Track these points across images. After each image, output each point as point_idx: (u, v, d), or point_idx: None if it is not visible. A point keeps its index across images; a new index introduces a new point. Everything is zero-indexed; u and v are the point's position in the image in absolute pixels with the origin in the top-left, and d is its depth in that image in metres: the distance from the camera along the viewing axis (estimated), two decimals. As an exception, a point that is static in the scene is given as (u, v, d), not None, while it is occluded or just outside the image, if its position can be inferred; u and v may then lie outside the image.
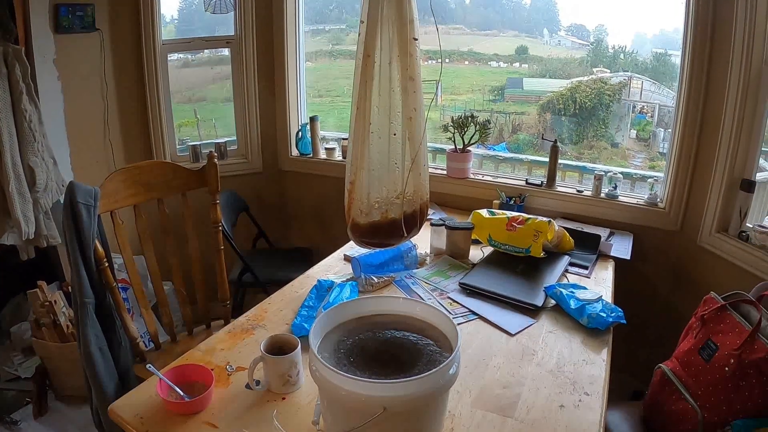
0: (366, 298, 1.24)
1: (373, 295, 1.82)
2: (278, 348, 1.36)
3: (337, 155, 3.10)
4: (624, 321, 1.59)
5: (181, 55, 3.24)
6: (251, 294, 3.11)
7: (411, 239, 2.19)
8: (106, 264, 1.93)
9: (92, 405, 1.97)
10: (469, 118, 2.52)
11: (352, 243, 2.32)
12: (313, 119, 3.09)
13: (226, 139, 3.27)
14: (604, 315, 1.57)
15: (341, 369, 1.01)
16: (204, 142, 3.27)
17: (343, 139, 3.12)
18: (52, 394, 2.64)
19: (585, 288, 1.76)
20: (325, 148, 3.13)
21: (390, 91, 1.37)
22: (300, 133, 3.16)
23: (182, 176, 2.13)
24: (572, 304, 1.64)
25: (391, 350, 1.07)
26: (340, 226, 3.05)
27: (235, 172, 3.16)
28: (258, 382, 1.36)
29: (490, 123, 2.54)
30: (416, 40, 1.40)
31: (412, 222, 1.47)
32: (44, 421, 2.52)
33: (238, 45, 3.03)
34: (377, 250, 1.96)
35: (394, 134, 1.36)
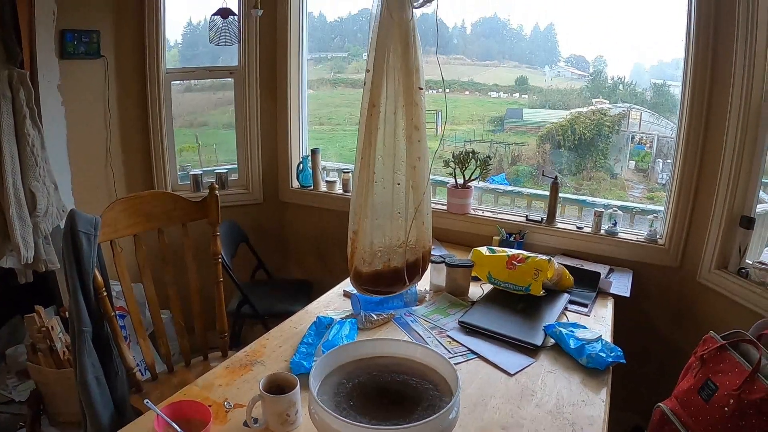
0: (366, 340, 1.24)
1: (373, 337, 1.81)
2: (277, 386, 1.35)
3: (338, 188, 3.12)
4: (623, 360, 1.58)
5: (183, 81, 3.26)
6: (249, 325, 3.10)
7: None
8: (105, 293, 1.92)
9: (86, 432, 1.94)
10: (470, 154, 2.55)
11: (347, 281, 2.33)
12: (314, 151, 3.11)
13: (227, 167, 3.29)
14: (604, 355, 1.57)
15: (341, 413, 1.01)
16: (205, 169, 3.29)
17: (344, 171, 3.14)
18: (46, 419, 2.61)
19: (584, 327, 1.76)
20: (326, 181, 3.15)
21: (394, 141, 1.39)
22: (301, 165, 3.18)
23: (183, 207, 2.13)
24: (572, 343, 1.64)
25: (392, 394, 1.07)
26: (339, 259, 3.09)
27: (236, 202, 3.17)
28: (256, 420, 1.35)
29: (490, 159, 2.56)
30: (422, 89, 1.43)
31: (415, 270, 1.50)
32: (36, 447, 2.49)
33: (242, 76, 3.07)
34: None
35: (398, 184, 1.38)
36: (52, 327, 2.38)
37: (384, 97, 1.44)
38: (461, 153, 2.57)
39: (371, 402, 1.05)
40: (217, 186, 2.20)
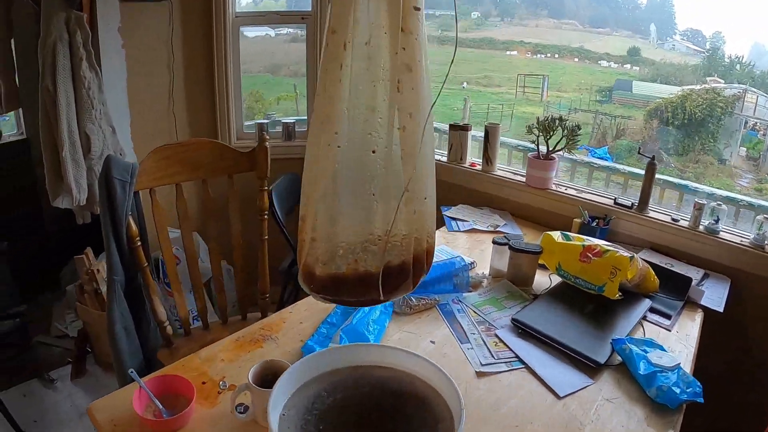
0: (366, 345, 1.00)
1: (410, 324, 1.59)
2: (272, 375, 1.15)
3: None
4: (701, 399, 1.24)
5: (291, 30, 3.15)
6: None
7: (467, 259, 1.95)
8: (139, 243, 1.83)
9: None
10: (557, 121, 2.19)
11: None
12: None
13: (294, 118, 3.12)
14: (677, 390, 1.24)
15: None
16: (288, 119, 3.13)
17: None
18: (92, 358, 2.63)
19: (661, 348, 1.41)
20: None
21: (371, 87, 0.90)
22: (374, 119, 2.94)
23: (230, 157, 1.98)
24: (642, 367, 1.31)
25: (376, 423, 0.84)
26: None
27: (302, 155, 2.98)
28: (245, 409, 1.18)
29: (579, 129, 2.19)
30: (418, 9, 0.93)
31: (401, 277, 0.95)
32: (80, 383, 2.52)
33: (314, 21, 2.84)
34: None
35: (373, 151, 0.90)
36: (98, 270, 2.36)
37: (351, 20, 0.91)
38: (546, 119, 2.21)
39: (348, 429, 0.82)
40: (267, 137, 2.02)
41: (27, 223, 3.01)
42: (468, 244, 2.13)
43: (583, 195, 2.29)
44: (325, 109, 0.90)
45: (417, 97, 0.91)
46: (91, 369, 2.59)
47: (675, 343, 1.53)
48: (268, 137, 2.02)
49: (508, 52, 3.68)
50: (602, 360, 1.38)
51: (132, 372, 1.21)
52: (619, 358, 1.41)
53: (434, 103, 0.93)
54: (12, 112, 2.94)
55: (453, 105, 3.42)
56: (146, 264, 1.87)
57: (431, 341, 1.50)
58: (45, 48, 2.14)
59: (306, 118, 3.08)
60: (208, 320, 2.09)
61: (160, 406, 1.19)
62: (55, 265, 3.00)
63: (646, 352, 1.37)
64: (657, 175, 2.12)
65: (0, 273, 2.59)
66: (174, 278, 1.98)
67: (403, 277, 0.96)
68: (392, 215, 0.90)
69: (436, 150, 2.84)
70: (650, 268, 1.71)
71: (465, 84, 3.66)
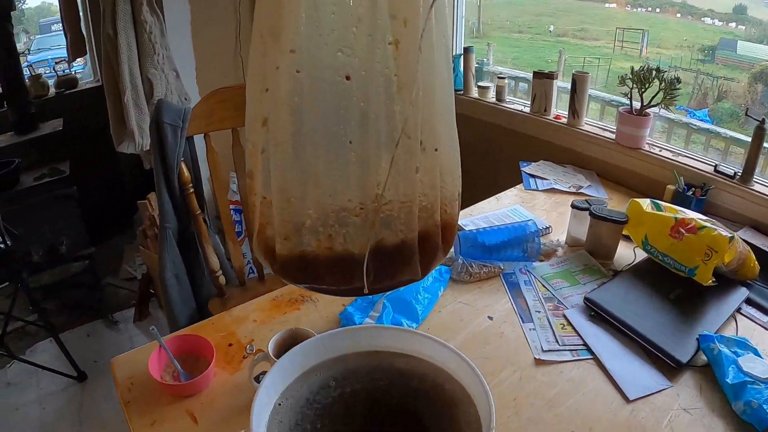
0: (391, 329, 0.83)
1: (469, 293, 1.42)
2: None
3: (491, 96, 2.62)
4: None
5: None
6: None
7: (542, 222, 1.75)
8: (191, 189, 1.77)
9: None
10: (654, 72, 1.88)
11: (478, 206, 1.91)
12: (467, 50, 2.62)
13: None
14: None
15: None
16: None
17: (499, 76, 2.61)
18: (156, 301, 2.67)
19: (757, 353, 1.16)
20: (478, 86, 2.66)
21: None
22: (452, 64, 2.72)
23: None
24: (730, 374, 1.07)
25: (385, 428, 0.69)
26: (482, 181, 2.67)
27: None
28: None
29: (679, 81, 1.87)
30: None
31: (401, 261, 0.67)
32: (141, 326, 2.57)
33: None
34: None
35: (347, 77, 0.61)
36: (158, 215, 2.34)
37: None
38: (642, 68, 1.91)
39: (349, 432, 0.68)
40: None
41: (103, 168, 3.07)
42: (546, 206, 1.91)
43: (679, 159, 1.98)
44: (272, 13, 0.62)
45: (416, 2, 0.61)
46: (153, 313, 2.64)
47: (777, 347, 1.27)
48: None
49: (606, 4, 3.45)
50: (685, 359, 1.15)
51: (153, 329, 1.13)
52: (705, 358, 1.18)
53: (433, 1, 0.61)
54: (88, 61, 2.97)
55: (548, 57, 3.22)
56: (199, 211, 1.81)
57: (489, 317, 1.33)
58: (105, -8, 2.10)
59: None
60: (264, 272, 2.02)
61: (179, 368, 1.12)
62: (129, 208, 3.05)
63: (738, 355, 1.12)
64: (764, 146, 1.78)
65: (70, 217, 2.65)
66: (229, 227, 1.91)
67: (403, 261, 0.68)
68: (382, 173, 0.63)
69: (517, 99, 2.60)
70: (750, 251, 1.43)
71: (552, 27, 3.41)
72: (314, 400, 0.72)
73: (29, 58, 3.98)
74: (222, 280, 1.89)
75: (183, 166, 1.75)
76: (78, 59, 2.94)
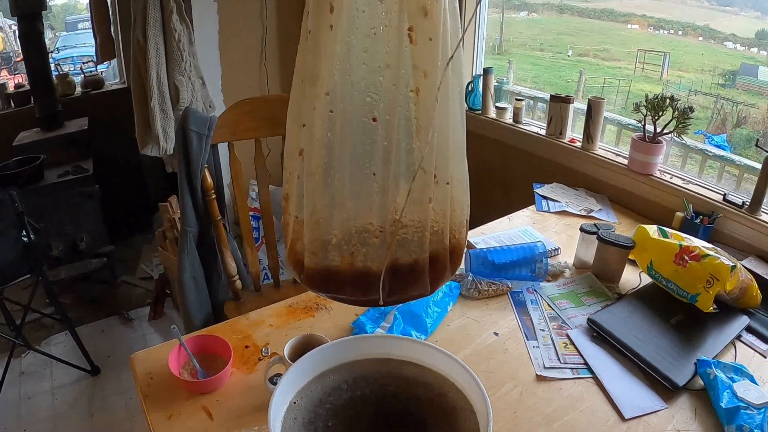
0: (400, 339, 0.88)
1: (475, 310, 1.47)
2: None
3: (508, 117, 2.68)
4: None
5: None
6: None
7: (552, 243, 1.79)
8: (213, 195, 1.84)
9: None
10: (668, 100, 1.92)
11: (490, 225, 1.96)
12: (487, 71, 2.67)
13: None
14: None
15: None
16: None
17: (517, 98, 2.66)
18: (171, 302, 2.73)
19: (752, 379, 1.20)
20: (496, 107, 2.71)
21: (370, 35, 0.69)
22: (471, 85, 2.77)
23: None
24: (724, 399, 1.11)
25: (392, 430, 0.74)
26: (498, 198, 2.72)
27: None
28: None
29: (692, 110, 1.91)
30: None
31: (413, 278, 0.76)
32: (156, 325, 2.63)
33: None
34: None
35: (374, 119, 0.70)
36: (178, 218, 2.41)
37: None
38: (656, 96, 1.95)
39: (358, 433, 0.73)
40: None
41: (124, 169, 3.15)
42: (556, 228, 1.95)
43: (689, 186, 2.02)
44: (311, 63, 0.71)
45: (434, 51, 0.69)
46: (168, 312, 2.70)
47: (770, 376, 1.30)
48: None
49: (629, 26, 3.47)
50: (682, 382, 1.19)
51: (174, 328, 1.19)
52: (701, 382, 1.21)
53: (451, 57, 0.71)
54: (114, 62, 3.06)
55: (568, 77, 3.22)
56: (219, 217, 1.88)
57: (495, 332, 1.38)
58: (136, 0, 2.17)
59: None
60: (279, 278, 2.08)
61: (198, 366, 1.18)
62: (150, 209, 3.13)
63: (733, 380, 1.16)
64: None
65: (91, 214, 2.73)
66: (247, 234, 1.97)
67: (414, 278, 0.77)
68: (399, 202, 0.72)
69: (534, 122, 2.65)
70: (754, 280, 1.47)
71: (570, 51, 3.43)
72: (327, 401, 0.77)
73: (54, 55, 4.08)
74: (238, 284, 1.94)
75: (206, 172, 1.81)
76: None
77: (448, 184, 0.78)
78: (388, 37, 0.70)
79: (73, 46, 5.89)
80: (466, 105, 2.72)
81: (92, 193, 2.69)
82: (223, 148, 1.86)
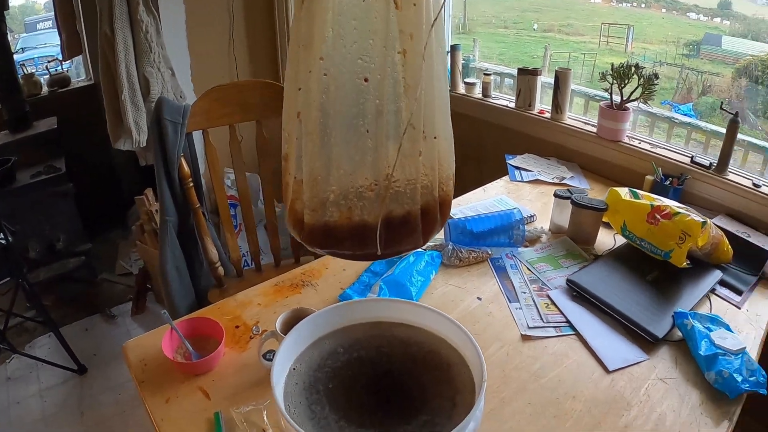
0: (391, 301, 0.92)
1: (458, 278, 1.51)
2: (301, 325, 1.12)
3: (477, 92, 2.71)
4: (764, 391, 1.10)
5: None
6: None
7: (528, 211, 1.83)
8: (191, 184, 1.84)
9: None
10: (633, 69, 1.98)
11: (465, 197, 2.00)
12: (454, 48, 2.70)
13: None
14: (740, 378, 1.09)
15: (311, 395, 0.75)
16: None
17: (485, 72, 2.70)
18: (152, 295, 2.72)
19: (728, 328, 1.26)
20: (465, 83, 2.74)
21: (360, 4, 0.74)
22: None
23: (285, 98, 1.93)
24: (703, 347, 1.17)
25: (388, 388, 0.77)
26: (469, 174, 2.76)
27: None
28: (273, 356, 1.16)
29: (657, 77, 1.97)
30: None
31: (406, 229, 0.81)
32: (139, 320, 2.62)
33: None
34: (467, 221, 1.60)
35: (365, 79, 0.75)
36: (156, 210, 2.40)
37: None
38: (622, 65, 2.01)
39: (357, 393, 0.76)
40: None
41: (95, 166, 3.12)
42: (530, 196, 2.00)
43: (658, 150, 2.09)
44: (306, 29, 0.76)
45: (419, 14, 0.76)
46: (150, 306, 2.69)
47: (743, 324, 1.36)
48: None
49: (592, 0, 3.48)
50: (661, 334, 1.25)
51: (164, 313, 1.20)
52: (680, 333, 1.27)
53: (435, 20, 0.77)
54: (77, 60, 3.00)
55: (533, 53, 3.24)
56: (198, 205, 1.88)
57: (478, 297, 1.42)
58: (101, -7, 2.14)
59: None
60: (260, 263, 2.09)
61: (190, 349, 1.19)
62: (123, 205, 3.10)
63: (710, 330, 1.22)
64: (742, 136, 1.88)
65: (67, 213, 2.70)
66: (227, 221, 1.98)
67: (408, 229, 0.82)
68: (392, 157, 0.78)
69: (503, 95, 2.69)
70: (724, 236, 1.53)
71: (536, 25, 3.46)
72: (325, 365, 0.80)
73: (16, 57, 4.00)
74: (221, 271, 1.96)
75: (183, 161, 1.81)
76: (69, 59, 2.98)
77: (435, 138, 0.83)
78: (376, 3, 0.75)
79: (33, 47, 5.76)
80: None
81: (66, 192, 2.66)
82: (196, 136, 1.85)
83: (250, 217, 2.01)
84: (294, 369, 0.78)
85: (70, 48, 2.57)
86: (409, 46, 0.76)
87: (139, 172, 2.91)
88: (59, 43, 2.73)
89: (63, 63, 3.04)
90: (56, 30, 2.79)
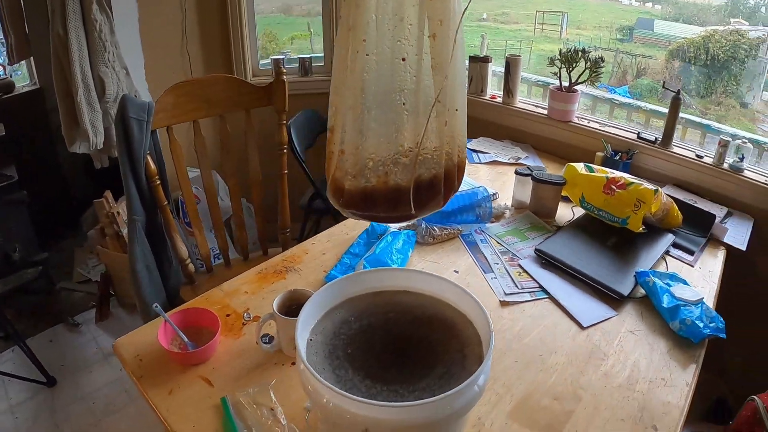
0: (392, 270, 0.99)
1: (432, 254, 1.58)
2: (296, 305, 1.16)
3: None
4: (723, 335, 1.23)
5: None
6: (326, 221, 2.96)
7: (489, 190, 1.92)
8: (158, 182, 1.83)
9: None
10: (580, 53, 2.11)
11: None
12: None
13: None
14: (701, 324, 1.22)
15: (333, 361, 0.80)
16: (303, 56, 3.05)
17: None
18: (115, 300, 2.68)
19: (685, 282, 1.39)
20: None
21: None
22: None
23: (247, 92, 1.95)
24: (665, 300, 1.29)
25: (403, 348, 0.83)
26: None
27: (319, 90, 2.92)
28: (271, 339, 1.20)
29: (603, 61, 2.11)
30: None
31: (431, 191, 0.94)
32: (104, 326, 2.57)
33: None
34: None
35: (403, 59, 0.86)
36: (118, 212, 2.37)
37: None
38: (569, 51, 2.13)
39: (375, 355, 0.82)
40: (284, 71, 1.97)
41: (45, 172, 3.03)
42: (490, 176, 2.10)
43: (606, 129, 2.23)
44: (352, 15, 0.86)
45: (447, 4, 0.87)
46: (114, 312, 2.65)
47: (698, 279, 1.51)
48: (285, 71, 1.98)
49: None
50: (626, 292, 1.37)
51: (156, 306, 1.22)
52: (642, 291, 1.40)
53: (465, 9, 0.88)
54: (24, 64, 2.90)
55: (470, 42, 3.34)
56: (166, 202, 1.87)
57: (455, 270, 1.50)
58: (54, -8, 2.09)
59: (322, 55, 3.01)
60: (229, 257, 2.10)
61: (186, 339, 1.20)
62: (75, 211, 3.02)
63: (670, 285, 1.35)
64: (680, 114, 2.05)
65: (21, 223, 2.62)
66: (194, 216, 1.98)
67: (434, 192, 0.94)
68: (423, 127, 0.87)
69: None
70: (674, 203, 1.68)
71: (485, 15, 3.56)
72: (340, 333, 0.85)
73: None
74: (191, 268, 1.96)
75: (149, 159, 1.80)
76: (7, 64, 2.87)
77: (456, 110, 0.94)
78: None
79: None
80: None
81: (20, 200, 2.57)
82: (160, 133, 1.85)
83: (217, 212, 2.02)
84: (311, 340, 0.83)
85: (19, 51, 2.48)
86: (439, 30, 0.87)
87: (90, 177, 2.84)
88: (5, 46, 2.63)
89: (12, 65, 2.92)
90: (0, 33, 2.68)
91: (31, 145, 2.90)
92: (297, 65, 2.94)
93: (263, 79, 2.84)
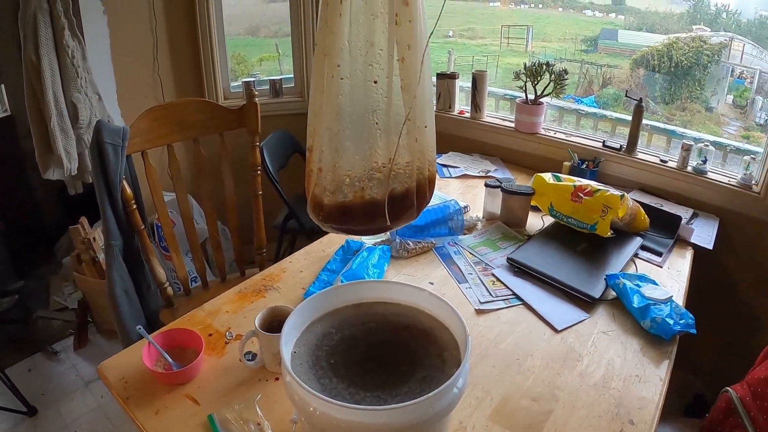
0: (370, 282, 1.04)
1: (408, 267, 1.62)
2: (277, 321, 1.18)
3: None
4: (693, 331, 1.30)
5: None
6: (300, 241, 2.98)
7: (460, 203, 1.98)
8: (134, 206, 1.84)
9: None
10: (544, 66, 2.19)
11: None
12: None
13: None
14: (671, 322, 1.28)
15: (317, 371, 0.83)
16: (273, 77, 3.09)
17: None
18: (93, 327, 2.66)
19: (654, 283, 1.46)
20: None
21: (369, 19, 0.93)
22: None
23: (220, 115, 1.98)
24: (636, 301, 1.35)
25: (384, 356, 0.87)
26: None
27: (291, 111, 2.97)
28: (254, 356, 1.22)
29: (567, 73, 2.19)
30: None
31: (404, 204, 1.00)
32: (83, 353, 2.55)
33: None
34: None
35: (375, 81, 0.94)
36: (94, 238, 2.36)
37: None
38: (534, 64, 2.21)
39: (357, 363, 0.85)
40: (256, 93, 2.01)
41: (17, 200, 2.99)
42: (460, 190, 2.15)
43: (572, 139, 2.31)
44: (327, 42, 0.92)
45: (414, 30, 0.93)
46: (93, 338, 2.62)
47: (667, 279, 1.58)
48: (256, 93, 2.02)
49: (491, 4, 3.66)
50: (597, 295, 1.43)
51: (140, 328, 1.23)
52: (614, 293, 1.46)
53: (431, 33, 0.95)
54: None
55: (438, 58, 3.39)
56: (143, 227, 1.88)
57: (430, 282, 1.54)
58: (25, 19, 2.09)
59: (292, 76, 3.05)
60: (207, 279, 2.12)
61: (170, 360, 1.22)
62: (49, 239, 2.99)
63: (639, 286, 1.41)
64: (644, 121, 2.14)
65: (-3, 252, 2.59)
66: (171, 240, 1.99)
67: (407, 204, 1.00)
68: (395, 144, 0.94)
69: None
70: (640, 207, 1.75)
71: (451, 32, 3.62)
72: (322, 345, 0.88)
73: None
74: (170, 291, 1.97)
75: (125, 183, 1.81)
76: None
77: (426, 127, 1.02)
78: (381, 20, 0.94)
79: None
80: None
81: (-1, 230, 2.55)
82: (135, 158, 1.86)
83: (193, 235, 2.03)
84: (295, 352, 0.86)
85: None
86: (407, 54, 0.95)
87: (62, 204, 2.82)
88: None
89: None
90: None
91: (2, 172, 2.87)
92: (268, 87, 2.98)
93: (235, 102, 2.87)
